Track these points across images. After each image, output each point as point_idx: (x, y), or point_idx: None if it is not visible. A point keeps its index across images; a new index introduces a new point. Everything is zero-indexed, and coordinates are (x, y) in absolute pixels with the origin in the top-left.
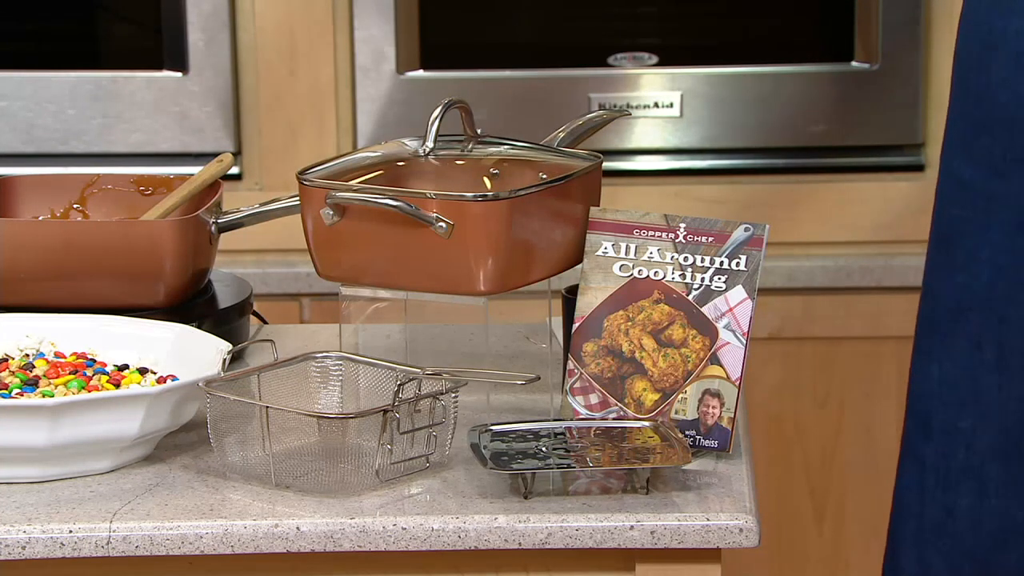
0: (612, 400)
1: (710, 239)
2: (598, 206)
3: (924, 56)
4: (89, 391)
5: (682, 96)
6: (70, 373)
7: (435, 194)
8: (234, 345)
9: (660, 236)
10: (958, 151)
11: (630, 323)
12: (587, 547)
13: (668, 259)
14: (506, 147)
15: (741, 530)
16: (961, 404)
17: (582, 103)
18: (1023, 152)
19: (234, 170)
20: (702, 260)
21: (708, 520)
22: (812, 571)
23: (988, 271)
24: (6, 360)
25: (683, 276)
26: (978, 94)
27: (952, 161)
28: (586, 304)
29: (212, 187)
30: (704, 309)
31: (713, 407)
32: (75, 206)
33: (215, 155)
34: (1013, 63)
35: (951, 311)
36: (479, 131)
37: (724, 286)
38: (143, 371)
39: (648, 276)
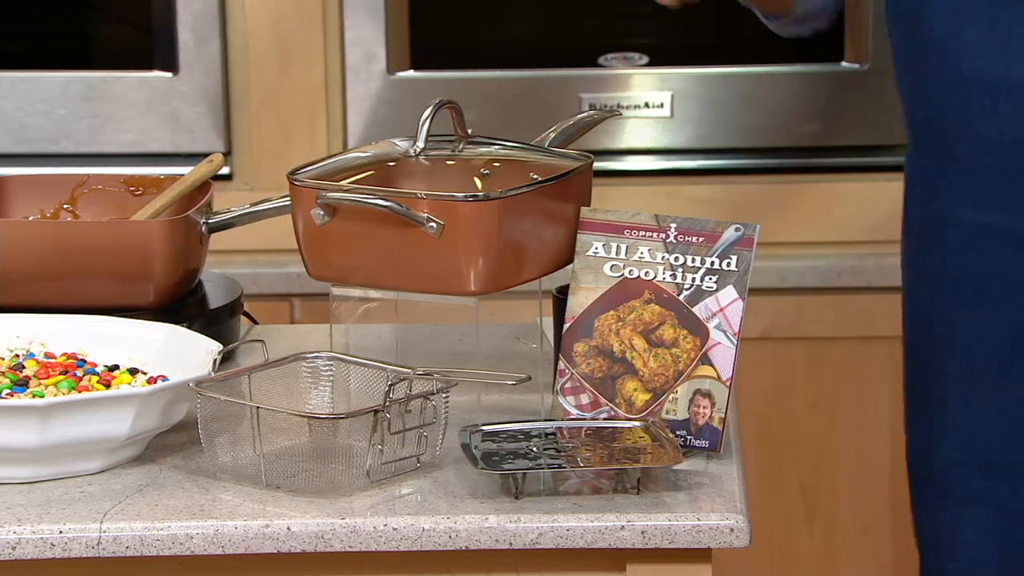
0: (603, 400)
1: (701, 239)
2: (589, 206)
3: None
4: (79, 391)
5: (672, 96)
6: (60, 373)
7: (426, 194)
8: (224, 345)
9: (651, 236)
10: None
11: (621, 323)
12: (578, 547)
13: (659, 259)
14: (497, 147)
15: (732, 530)
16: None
17: (573, 103)
18: None
19: (224, 170)
20: (693, 260)
21: (699, 520)
22: (803, 571)
23: None
24: None
25: (674, 276)
26: None
27: None
28: (577, 304)
29: (202, 187)
30: (695, 309)
31: (704, 407)
32: (65, 206)
33: (205, 155)
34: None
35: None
36: (470, 131)
37: (715, 286)
38: (133, 371)
39: (639, 276)
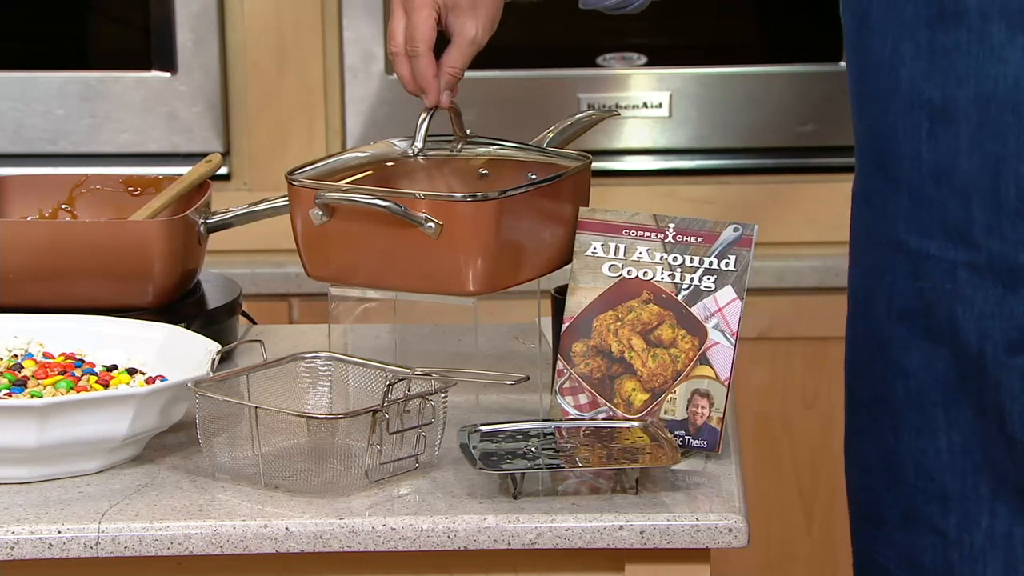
0: (601, 400)
1: (699, 239)
2: (587, 206)
3: None
4: (78, 392)
5: (671, 96)
6: (59, 374)
7: (424, 194)
8: (223, 345)
9: (649, 236)
10: None
11: (619, 323)
12: (576, 547)
13: (657, 259)
14: (495, 147)
15: (730, 530)
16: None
17: (571, 103)
18: None
19: (223, 170)
20: (691, 260)
21: (697, 520)
22: (801, 571)
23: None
24: None
25: (672, 276)
26: None
27: None
28: (575, 304)
29: (201, 187)
30: (693, 309)
31: (702, 407)
32: (63, 206)
33: (204, 155)
34: None
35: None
36: (468, 131)
37: (713, 286)
38: (132, 372)
39: (637, 276)
